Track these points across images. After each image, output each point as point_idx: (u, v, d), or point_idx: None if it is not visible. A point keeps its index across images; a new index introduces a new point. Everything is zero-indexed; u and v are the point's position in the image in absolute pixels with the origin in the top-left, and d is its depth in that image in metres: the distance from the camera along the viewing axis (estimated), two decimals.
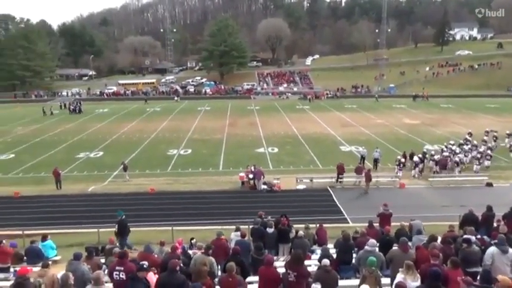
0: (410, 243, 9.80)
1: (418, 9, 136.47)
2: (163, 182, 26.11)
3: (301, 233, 11.92)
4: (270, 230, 12.13)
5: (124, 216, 14.75)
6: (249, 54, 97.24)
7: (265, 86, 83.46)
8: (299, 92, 76.68)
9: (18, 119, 52.73)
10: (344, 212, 20.56)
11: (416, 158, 26.87)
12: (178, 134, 41.20)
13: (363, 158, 29.08)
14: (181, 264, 8.38)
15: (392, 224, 13.49)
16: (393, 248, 9.64)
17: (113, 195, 23.39)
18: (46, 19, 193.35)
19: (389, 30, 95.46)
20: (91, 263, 9.25)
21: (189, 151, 34.28)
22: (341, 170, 24.99)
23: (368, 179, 23.76)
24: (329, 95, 72.75)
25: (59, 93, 79.31)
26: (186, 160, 31.38)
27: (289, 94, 75.50)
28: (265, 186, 24.07)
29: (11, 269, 11.11)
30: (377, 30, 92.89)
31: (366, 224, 12.75)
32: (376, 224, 13.43)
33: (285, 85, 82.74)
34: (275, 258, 11.37)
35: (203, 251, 9.12)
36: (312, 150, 33.58)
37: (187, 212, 20.25)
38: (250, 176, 24.53)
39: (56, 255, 12.94)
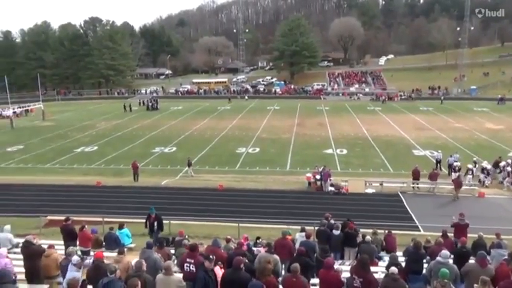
0: (488, 258, 9.10)
1: (506, 6, 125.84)
2: (232, 179, 26.66)
3: (368, 238, 11.57)
4: (336, 232, 11.92)
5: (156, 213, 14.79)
6: (320, 54, 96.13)
7: (335, 86, 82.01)
8: (371, 93, 74.39)
9: (102, 115, 56.95)
10: (415, 219, 19.59)
11: (470, 166, 25.01)
12: (247, 132, 41.86)
13: (438, 162, 27.53)
14: (246, 261, 8.51)
15: (469, 235, 12.60)
16: (470, 261, 9.01)
17: (184, 189, 24.36)
18: (129, 21, 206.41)
19: (472, 28, 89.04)
20: (161, 253, 9.71)
21: (257, 150, 34.69)
22: (416, 175, 23.91)
23: (458, 185, 22.35)
24: (403, 97, 69.73)
25: (138, 91, 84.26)
26: (254, 158, 31.80)
27: (361, 95, 73.51)
28: (332, 188, 23.67)
29: (91, 253, 11.99)
30: (458, 28, 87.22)
31: (440, 234, 12.05)
32: (450, 235, 12.63)
33: (357, 86, 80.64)
34: (340, 261, 11.18)
35: (266, 249, 9.19)
36: (383, 154, 32.42)
37: (254, 210, 20.49)
38: (318, 177, 24.26)
39: (131, 243, 13.75)
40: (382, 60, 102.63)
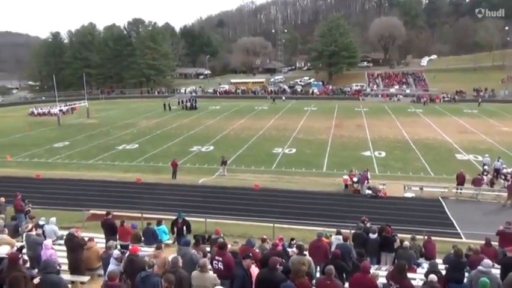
0: None
1: None
2: (267, 179, 26.69)
3: (406, 243, 11.26)
4: (373, 236, 11.68)
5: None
6: (360, 54, 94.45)
7: (375, 87, 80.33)
8: (412, 95, 72.26)
9: (143, 113, 58.57)
10: (456, 225, 18.86)
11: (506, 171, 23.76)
12: (284, 133, 41.78)
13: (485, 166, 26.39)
14: (283, 261, 8.49)
15: None
16: None
17: (220, 188, 24.63)
18: (170, 22, 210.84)
19: None
20: (198, 250, 9.85)
21: (294, 150, 34.56)
22: (461, 180, 23.04)
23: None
24: (446, 99, 67.33)
25: (178, 91, 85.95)
26: (290, 159, 31.68)
27: (401, 96, 71.65)
28: (369, 191, 23.22)
29: (130, 247, 12.32)
30: (506, 28, 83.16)
31: (483, 242, 11.54)
32: (495, 243, 12.08)
33: (397, 87, 78.60)
34: (376, 266, 10.95)
35: (297, 251, 9.10)
36: (424, 157, 31.43)
37: (289, 211, 20.42)
38: (355, 179, 23.87)
39: (168, 239, 14.04)
40: (424, 61, 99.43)
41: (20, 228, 13.22)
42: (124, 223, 12.87)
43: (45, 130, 47.11)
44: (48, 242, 9.98)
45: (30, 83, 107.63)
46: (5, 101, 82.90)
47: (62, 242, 11.89)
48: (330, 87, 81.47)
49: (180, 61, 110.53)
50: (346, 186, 24.24)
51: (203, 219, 17.28)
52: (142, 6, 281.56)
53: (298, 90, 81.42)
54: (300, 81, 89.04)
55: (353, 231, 12.56)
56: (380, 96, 73.65)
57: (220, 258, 8.40)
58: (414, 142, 36.58)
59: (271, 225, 16.49)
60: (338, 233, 11.71)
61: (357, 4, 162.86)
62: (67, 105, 62.58)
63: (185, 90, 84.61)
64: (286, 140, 38.34)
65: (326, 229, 14.45)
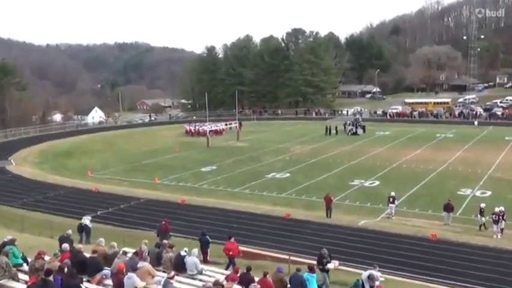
0: None
1: None
2: (449, 228, 24.79)
3: None
4: None
5: None
6: None
7: None
8: None
9: (298, 137, 60.80)
10: None
11: None
12: (475, 169, 38.52)
13: None
14: None
15: None
16: None
17: (387, 234, 23.67)
18: (334, 31, 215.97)
19: None
20: None
21: (488, 193, 31.41)
22: None
23: None
24: None
25: (339, 112, 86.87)
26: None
27: None
28: None
29: None
30: None
31: None
32: None
33: None
34: None
35: None
36: None
37: (479, 274, 18.37)
38: None
39: None
40: None
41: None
42: (266, 276, 12.50)
43: (194, 152, 52.45)
44: None
45: (183, 101, 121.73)
46: (158, 120, 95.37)
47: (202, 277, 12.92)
48: None
49: (344, 77, 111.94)
50: None
51: (360, 271, 16.75)
52: (303, 15, 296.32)
53: (498, 113, 74.68)
54: (501, 102, 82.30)
55: None
56: None
57: None
58: None
59: None
60: None
61: None
62: (227, 124, 68.59)
63: (347, 112, 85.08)
64: (478, 179, 35.17)
65: None
